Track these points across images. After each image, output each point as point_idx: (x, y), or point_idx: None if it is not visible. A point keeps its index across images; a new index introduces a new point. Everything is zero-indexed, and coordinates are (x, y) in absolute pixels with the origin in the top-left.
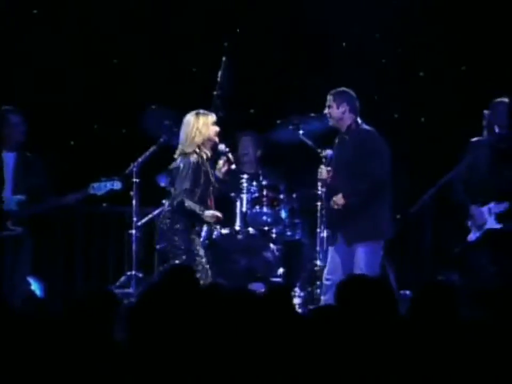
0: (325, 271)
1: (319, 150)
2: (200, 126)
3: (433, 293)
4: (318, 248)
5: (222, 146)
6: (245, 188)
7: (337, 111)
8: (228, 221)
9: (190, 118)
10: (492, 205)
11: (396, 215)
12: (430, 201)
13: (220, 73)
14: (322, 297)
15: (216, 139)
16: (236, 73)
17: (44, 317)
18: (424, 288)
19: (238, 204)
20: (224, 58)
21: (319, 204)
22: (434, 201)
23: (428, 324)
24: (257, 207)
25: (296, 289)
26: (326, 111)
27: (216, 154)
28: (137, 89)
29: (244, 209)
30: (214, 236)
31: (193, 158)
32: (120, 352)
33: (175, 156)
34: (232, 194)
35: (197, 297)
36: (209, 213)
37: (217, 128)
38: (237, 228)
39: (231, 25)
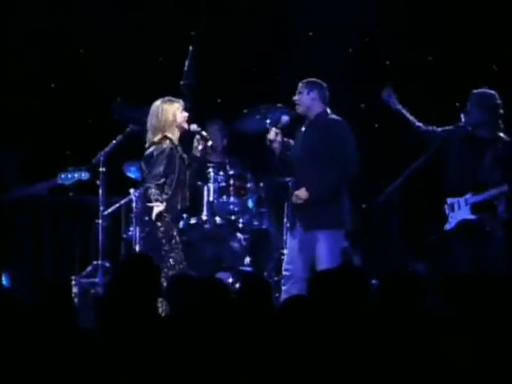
0: (284, 261)
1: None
2: (167, 113)
3: (398, 282)
4: (284, 237)
5: (194, 126)
6: (212, 177)
7: (306, 97)
8: (195, 210)
9: (157, 105)
10: (468, 195)
11: (362, 204)
12: (396, 190)
13: (186, 63)
14: (283, 287)
15: (185, 125)
16: (202, 63)
17: (10, 306)
18: (389, 277)
19: (205, 193)
20: (191, 47)
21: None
22: (401, 190)
23: (392, 313)
24: (224, 196)
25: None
26: (296, 97)
27: (189, 135)
28: (104, 79)
29: (211, 198)
30: (181, 226)
31: (166, 144)
32: (87, 341)
33: (146, 146)
34: (199, 183)
35: (156, 286)
36: (157, 211)
37: (185, 114)
38: (204, 217)
39: (197, 13)
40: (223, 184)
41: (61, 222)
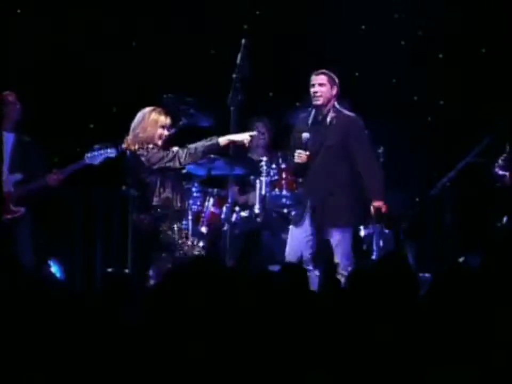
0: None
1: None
2: (147, 123)
3: (453, 277)
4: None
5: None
6: (264, 171)
7: (330, 91)
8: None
9: (143, 112)
10: None
11: (416, 197)
12: (449, 184)
13: (239, 56)
14: None
15: (159, 143)
16: (255, 56)
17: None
18: (444, 272)
19: (257, 186)
20: (243, 40)
21: None
22: (454, 184)
23: (447, 307)
24: (277, 189)
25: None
26: (317, 88)
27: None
28: (157, 73)
29: (263, 192)
30: (233, 219)
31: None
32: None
33: (124, 146)
34: (252, 177)
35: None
36: None
37: (165, 132)
38: (256, 210)
39: (250, 7)
40: (276, 177)
41: (113, 214)
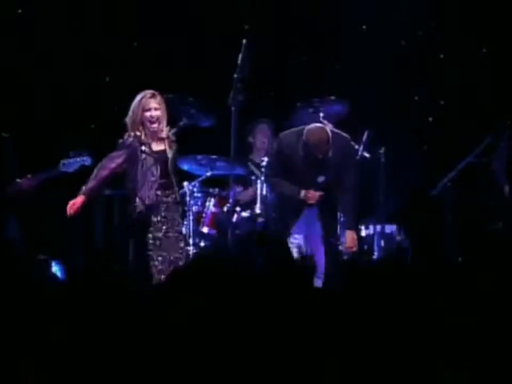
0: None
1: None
2: (133, 106)
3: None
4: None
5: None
6: (265, 171)
7: None
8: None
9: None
10: None
11: (416, 198)
12: (450, 184)
13: (240, 56)
14: None
15: (148, 125)
16: (256, 56)
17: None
18: (441, 271)
19: (258, 187)
20: (244, 41)
21: None
22: (455, 184)
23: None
24: None
25: None
26: None
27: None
28: (156, 72)
29: (264, 192)
30: (234, 219)
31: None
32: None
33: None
34: (252, 177)
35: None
36: None
37: (151, 113)
38: (258, 210)
39: (251, 7)
40: None
41: (114, 214)
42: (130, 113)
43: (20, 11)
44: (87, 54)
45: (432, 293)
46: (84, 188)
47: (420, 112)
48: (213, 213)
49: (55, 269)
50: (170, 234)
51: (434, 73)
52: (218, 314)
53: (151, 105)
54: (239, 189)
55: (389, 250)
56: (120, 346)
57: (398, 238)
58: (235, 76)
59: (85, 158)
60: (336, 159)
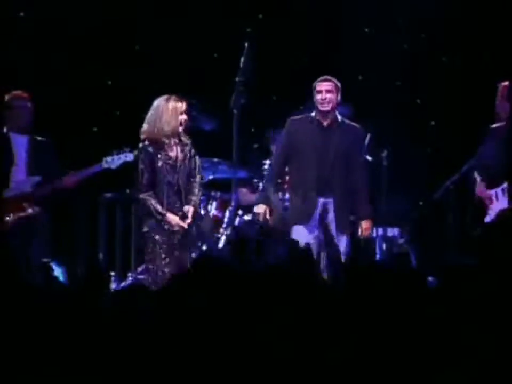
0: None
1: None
2: (169, 115)
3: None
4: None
5: None
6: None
7: (337, 99)
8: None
9: (158, 104)
10: (504, 185)
11: (419, 201)
12: (453, 187)
13: (242, 59)
14: None
15: (180, 129)
16: (258, 59)
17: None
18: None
19: (260, 189)
20: (246, 44)
21: None
22: (457, 187)
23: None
24: (280, 193)
25: None
26: (325, 95)
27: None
28: (159, 75)
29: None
30: (236, 223)
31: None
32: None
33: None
34: (255, 180)
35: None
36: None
37: (184, 117)
38: None
39: (253, 10)
40: (279, 180)
41: (117, 216)
42: (166, 117)
43: (21, 14)
44: (87, 55)
45: (432, 295)
46: None
47: (422, 115)
48: (214, 216)
49: (57, 272)
50: (182, 238)
51: (437, 76)
52: (218, 314)
53: (183, 108)
54: (244, 190)
55: (391, 253)
56: (120, 346)
57: (401, 241)
58: (237, 79)
59: (127, 154)
60: (347, 141)
